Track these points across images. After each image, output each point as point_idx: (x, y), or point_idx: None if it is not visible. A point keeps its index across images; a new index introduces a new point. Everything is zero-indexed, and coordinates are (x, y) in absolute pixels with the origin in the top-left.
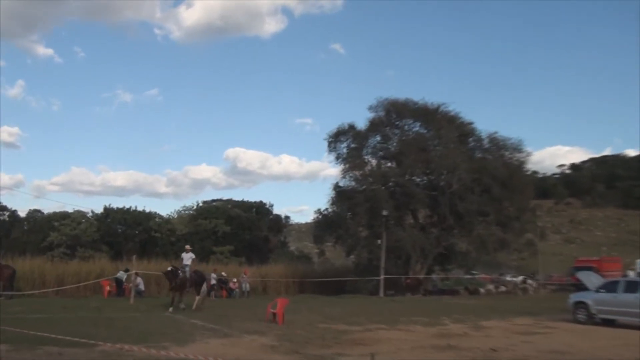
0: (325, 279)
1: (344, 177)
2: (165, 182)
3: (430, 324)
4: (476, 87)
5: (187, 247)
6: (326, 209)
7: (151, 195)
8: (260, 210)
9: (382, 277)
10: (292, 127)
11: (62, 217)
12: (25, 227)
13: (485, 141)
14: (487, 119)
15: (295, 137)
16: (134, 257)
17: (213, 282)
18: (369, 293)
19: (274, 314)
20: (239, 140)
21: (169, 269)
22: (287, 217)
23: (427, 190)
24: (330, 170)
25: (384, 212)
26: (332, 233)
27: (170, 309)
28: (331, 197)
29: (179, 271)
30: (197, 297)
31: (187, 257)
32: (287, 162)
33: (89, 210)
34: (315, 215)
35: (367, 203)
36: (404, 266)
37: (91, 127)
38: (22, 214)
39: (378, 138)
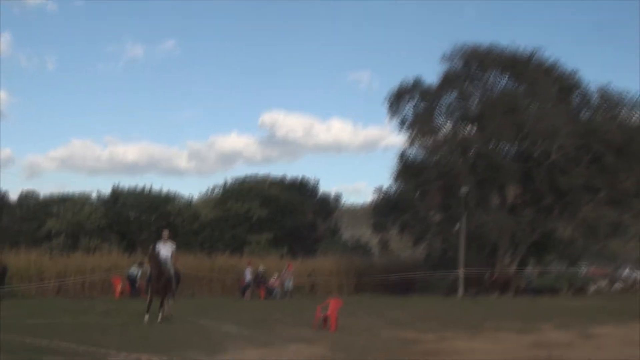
0: (388, 275)
1: (410, 147)
2: (187, 156)
3: (523, 331)
4: (581, 25)
5: (165, 232)
6: (388, 187)
7: (169, 173)
8: (304, 189)
9: (460, 272)
10: (343, 84)
11: (62, 200)
12: (18, 213)
13: (594, 97)
14: (595, 68)
15: (347, 96)
16: (151, 248)
17: (248, 278)
18: (444, 292)
19: (325, 318)
20: (277, 102)
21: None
22: (338, 198)
23: (519, 162)
24: (393, 139)
25: (463, 190)
26: (396, 218)
27: (147, 317)
28: (395, 172)
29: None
30: (169, 303)
31: (166, 248)
32: (338, 129)
33: (94, 192)
34: (375, 196)
35: (440, 179)
36: (488, 258)
37: (94, 89)
38: (13, 196)
39: (454, 96)
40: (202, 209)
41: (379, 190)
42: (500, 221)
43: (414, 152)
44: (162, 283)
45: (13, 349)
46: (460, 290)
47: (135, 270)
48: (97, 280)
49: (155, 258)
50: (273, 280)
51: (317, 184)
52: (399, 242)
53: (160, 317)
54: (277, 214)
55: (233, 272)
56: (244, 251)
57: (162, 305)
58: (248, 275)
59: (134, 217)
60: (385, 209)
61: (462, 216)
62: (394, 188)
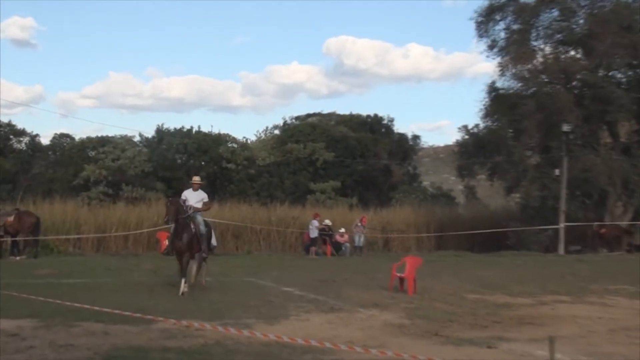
0: (475, 231)
1: (503, 76)
2: (240, 90)
3: (637, 296)
4: None
5: (196, 179)
6: (476, 125)
7: (221, 110)
8: (377, 128)
9: (561, 225)
10: (422, 2)
11: (100, 143)
12: (51, 158)
13: None
14: None
15: (427, 18)
16: (169, 200)
17: (313, 233)
18: (543, 249)
19: (402, 280)
20: (344, 25)
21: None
22: (416, 138)
23: (634, 92)
24: (482, 66)
25: (566, 127)
26: (485, 161)
27: (184, 285)
28: (484, 105)
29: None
30: (204, 265)
31: (195, 197)
32: (417, 55)
33: (136, 133)
34: (460, 135)
35: (538, 113)
36: (596, 209)
37: (134, 15)
38: (45, 140)
39: (555, 14)
40: (258, 151)
41: (464, 128)
42: (610, 164)
43: (507, 81)
44: (187, 240)
45: (49, 313)
46: (562, 247)
47: None
48: (142, 235)
49: (175, 208)
50: (340, 235)
51: (393, 122)
52: (488, 190)
53: (203, 279)
54: (345, 157)
55: (295, 225)
56: (307, 201)
57: (198, 267)
58: (314, 230)
59: (181, 161)
60: (473, 150)
61: (564, 158)
62: (482, 125)
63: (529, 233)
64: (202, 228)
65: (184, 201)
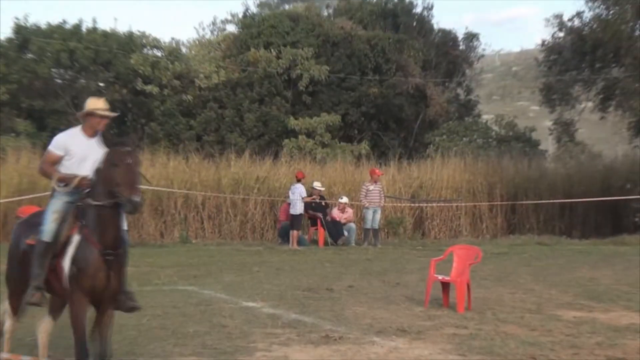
0: (574, 199)
1: None
2: None
3: None
4: None
5: (99, 104)
6: (578, 14)
7: None
8: (404, 21)
9: None
10: None
11: None
12: None
13: None
14: None
15: None
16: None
17: (297, 208)
18: None
19: (446, 286)
20: None
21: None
22: (472, 38)
23: None
24: None
25: None
26: (594, 77)
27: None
28: None
29: None
30: None
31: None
32: None
33: None
34: (550, 33)
35: None
36: None
37: None
38: None
39: None
40: (198, 64)
41: (557, 20)
42: None
43: None
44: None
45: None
46: None
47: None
48: None
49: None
50: (340, 209)
51: (431, 10)
52: (599, 128)
53: None
54: (349, 73)
55: (262, 192)
56: (283, 150)
57: None
58: (296, 201)
59: (62, 81)
60: (572, 58)
61: None
62: (589, 14)
63: None
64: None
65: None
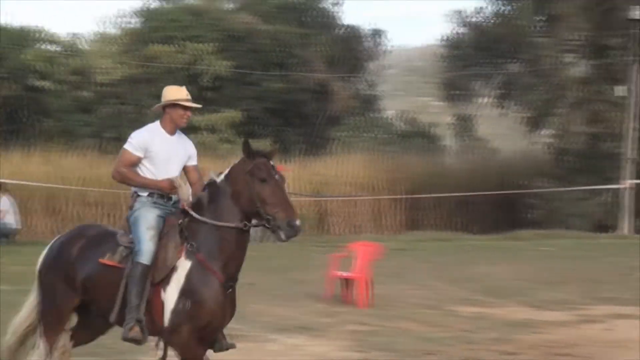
0: (473, 193)
1: None
2: None
3: None
4: None
5: None
6: (478, 10)
7: None
8: (309, 16)
9: (627, 184)
10: None
11: None
12: None
13: None
14: None
15: None
16: None
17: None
18: (592, 226)
19: (348, 282)
20: None
21: None
22: (377, 34)
23: None
24: None
25: (638, 12)
26: (493, 72)
27: None
28: None
29: None
30: None
31: None
32: None
33: None
34: (451, 28)
35: None
36: None
37: None
38: None
39: None
40: (97, 59)
41: (458, 16)
42: None
43: None
44: None
45: None
46: (626, 223)
47: None
48: None
49: None
50: None
51: (338, 4)
52: (497, 123)
53: None
54: (252, 68)
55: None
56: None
57: None
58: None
59: None
60: (472, 53)
61: (633, 66)
62: (490, 10)
63: (568, 199)
64: None
65: None
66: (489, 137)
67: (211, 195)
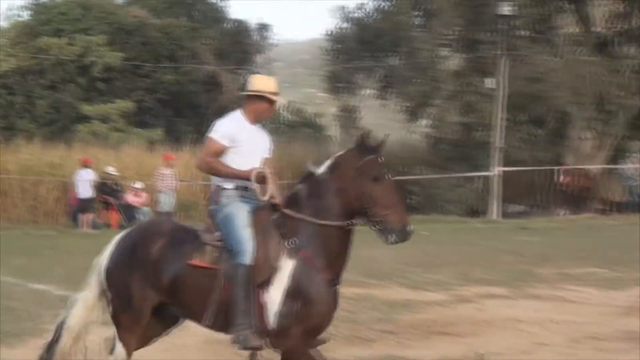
0: None
1: None
2: None
3: (616, 283)
4: None
5: None
6: (360, 6)
7: None
8: (198, 10)
9: (496, 171)
10: None
11: None
12: None
13: None
14: None
15: None
16: None
17: (86, 192)
18: (465, 211)
19: None
20: None
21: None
22: (264, 29)
23: None
24: None
25: (506, 9)
26: (375, 65)
27: None
28: None
29: None
30: None
31: None
32: None
33: None
34: (335, 23)
35: None
36: (552, 144)
37: None
38: None
39: None
40: None
41: (341, 12)
42: (577, 68)
43: None
44: None
45: None
46: (495, 208)
47: None
48: None
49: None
50: (134, 193)
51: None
52: (379, 113)
53: None
54: (143, 60)
55: (55, 176)
56: (76, 136)
57: None
58: (84, 186)
59: None
60: (355, 47)
61: (502, 60)
62: (371, 6)
63: (443, 185)
64: None
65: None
66: (371, 127)
67: (311, 189)
